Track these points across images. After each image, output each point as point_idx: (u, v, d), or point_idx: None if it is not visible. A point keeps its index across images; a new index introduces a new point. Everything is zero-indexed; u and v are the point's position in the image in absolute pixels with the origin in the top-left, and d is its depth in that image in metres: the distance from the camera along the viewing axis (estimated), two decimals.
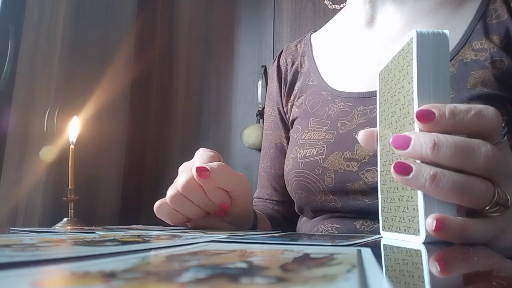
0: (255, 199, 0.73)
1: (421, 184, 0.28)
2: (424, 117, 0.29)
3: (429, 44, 0.30)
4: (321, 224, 0.57)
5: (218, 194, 0.44)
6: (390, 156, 0.34)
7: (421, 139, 0.29)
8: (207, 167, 0.42)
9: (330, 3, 0.74)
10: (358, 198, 0.52)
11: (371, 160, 0.51)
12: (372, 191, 0.51)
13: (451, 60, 0.53)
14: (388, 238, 0.34)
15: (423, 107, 0.29)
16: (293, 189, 0.59)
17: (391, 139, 0.30)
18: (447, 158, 0.28)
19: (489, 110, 0.29)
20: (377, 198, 0.37)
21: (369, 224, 0.52)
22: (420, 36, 0.30)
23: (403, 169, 0.29)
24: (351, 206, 0.53)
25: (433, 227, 0.27)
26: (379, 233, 0.37)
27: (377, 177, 0.50)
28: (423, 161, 0.29)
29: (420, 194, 0.29)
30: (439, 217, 0.27)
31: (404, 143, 0.29)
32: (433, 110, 0.29)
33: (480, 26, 0.54)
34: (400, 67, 0.33)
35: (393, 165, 0.29)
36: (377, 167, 0.38)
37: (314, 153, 0.56)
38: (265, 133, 0.74)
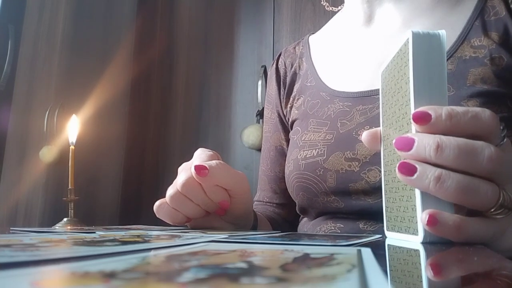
0: (255, 202, 0.72)
1: (425, 185, 0.28)
2: (420, 119, 0.28)
3: (425, 44, 0.30)
4: (324, 224, 0.56)
5: (217, 193, 0.44)
6: (393, 156, 0.34)
7: (424, 140, 0.28)
8: (206, 165, 0.42)
9: (327, 4, 0.74)
10: (361, 198, 0.52)
11: (373, 159, 0.51)
12: (374, 190, 0.50)
13: (450, 58, 0.53)
14: (391, 238, 0.34)
15: (420, 109, 0.29)
16: (295, 191, 0.58)
17: (393, 140, 0.30)
18: (450, 160, 0.27)
19: (486, 113, 0.29)
20: (380, 198, 0.37)
21: (372, 224, 0.52)
22: (416, 36, 0.30)
23: (408, 170, 0.28)
24: (353, 206, 0.52)
25: (425, 222, 0.27)
26: (382, 233, 0.37)
27: (379, 176, 0.50)
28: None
29: (417, 194, 0.29)
30: (432, 212, 0.27)
31: (407, 145, 0.29)
32: (429, 112, 0.28)
33: (478, 23, 0.53)
34: (399, 68, 0.33)
35: (397, 165, 0.29)
36: (379, 166, 0.37)
37: (315, 154, 0.55)
38: (264, 136, 0.74)
